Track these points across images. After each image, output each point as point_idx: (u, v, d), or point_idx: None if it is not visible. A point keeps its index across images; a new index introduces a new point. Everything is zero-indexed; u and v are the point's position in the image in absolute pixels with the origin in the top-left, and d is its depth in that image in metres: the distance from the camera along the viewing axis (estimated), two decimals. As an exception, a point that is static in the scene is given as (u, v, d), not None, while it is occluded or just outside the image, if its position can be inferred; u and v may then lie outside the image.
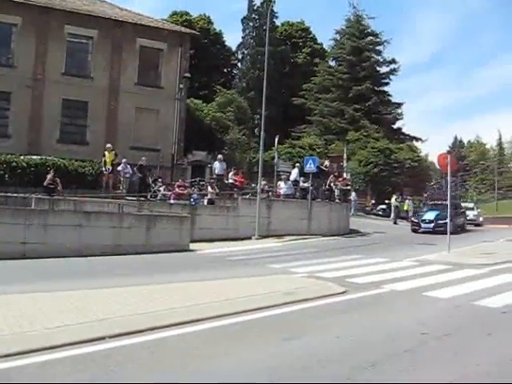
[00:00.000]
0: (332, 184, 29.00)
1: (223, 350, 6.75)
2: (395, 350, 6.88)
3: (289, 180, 27.88)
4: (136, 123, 31.52)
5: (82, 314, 7.90)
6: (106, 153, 24.64)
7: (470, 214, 40.42)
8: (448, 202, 21.79)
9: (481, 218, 43.99)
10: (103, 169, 24.39)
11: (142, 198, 23.29)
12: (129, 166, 25.07)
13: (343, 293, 10.65)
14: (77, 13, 30.33)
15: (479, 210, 45.86)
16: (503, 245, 22.96)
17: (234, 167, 28.35)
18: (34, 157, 24.52)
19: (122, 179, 25.02)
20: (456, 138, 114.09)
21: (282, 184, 27.65)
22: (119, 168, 24.94)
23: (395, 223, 35.42)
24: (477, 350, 7.04)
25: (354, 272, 13.62)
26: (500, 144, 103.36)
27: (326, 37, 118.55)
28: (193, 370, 5.96)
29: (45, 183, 21.32)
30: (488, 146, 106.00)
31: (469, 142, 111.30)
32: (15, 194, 20.18)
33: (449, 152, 22.31)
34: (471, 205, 46.46)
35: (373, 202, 44.69)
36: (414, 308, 9.72)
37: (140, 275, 12.91)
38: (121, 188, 24.86)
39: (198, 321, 7.95)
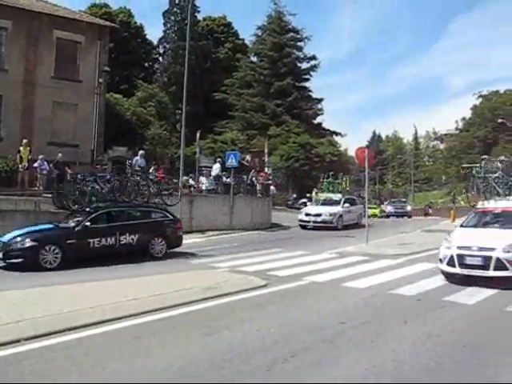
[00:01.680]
0: (254, 179, 29.25)
1: (144, 347, 6.72)
2: (315, 340, 7.06)
3: (210, 175, 27.91)
4: (53, 118, 30.51)
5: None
6: (21, 148, 23.80)
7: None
8: (365, 195, 22.45)
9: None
10: (19, 165, 23.54)
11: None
12: (46, 163, 24.30)
13: (264, 286, 10.81)
14: (-12, 3, 29.04)
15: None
16: (419, 235, 23.86)
17: (154, 162, 28.03)
18: None
19: (38, 176, 24.22)
20: (374, 133, 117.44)
21: (203, 179, 27.63)
22: (36, 164, 24.11)
23: (316, 216, 36.03)
24: (393, 336, 7.33)
25: (276, 265, 13.82)
26: (416, 139, 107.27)
27: (247, 32, 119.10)
28: (112, 369, 5.91)
29: None
30: (405, 141, 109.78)
31: (387, 136, 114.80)
32: None
33: (367, 146, 22.84)
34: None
35: (294, 195, 45.36)
36: (333, 299, 9.96)
37: (64, 274, 12.61)
38: (37, 185, 24.06)
39: (119, 318, 7.88)
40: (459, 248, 11.17)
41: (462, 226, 13.24)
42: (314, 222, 27.36)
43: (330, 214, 27.40)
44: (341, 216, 27.81)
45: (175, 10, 62.06)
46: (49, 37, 30.88)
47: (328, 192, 35.88)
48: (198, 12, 60.50)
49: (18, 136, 26.58)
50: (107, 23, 36.56)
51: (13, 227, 16.19)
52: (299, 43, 61.32)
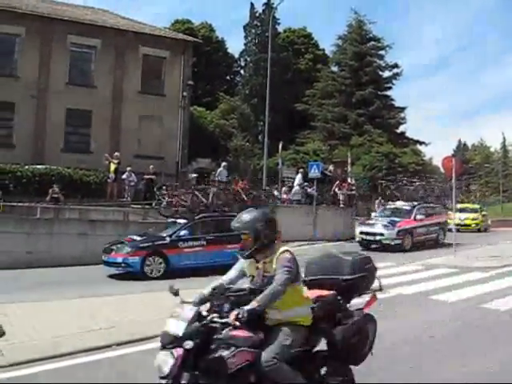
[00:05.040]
0: (337, 189, 28.99)
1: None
2: (402, 355, 6.86)
3: (293, 186, 27.90)
4: (140, 131, 31.56)
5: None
6: (114, 161, 24.81)
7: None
8: (453, 205, 21.73)
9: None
10: (108, 177, 24.50)
11: (147, 206, 23.29)
12: (133, 174, 25.11)
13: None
14: (79, 22, 30.43)
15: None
16: (509, 247, 22.86)
17: (236, 174, 28.42)
18: (39, 166, 24.53)
19: (126, 187, 25.06)
20: (460, 142, 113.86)
21: (286, 190, 27.71)
22: (124, 176, 24.98)
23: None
24: (484, 352, 7.00)
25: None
26: (504, 147, 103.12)
27: (327, 42, 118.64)
28: None
29: (47, 198, 21.35)
30: (492, 149, 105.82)
31: (473, 145, 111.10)
32: (20, 204, 20.19)
33: (453, 155, 22.16)
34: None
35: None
36: (420, 312, 9.67)
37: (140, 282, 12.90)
38: (125, 196, 24.88)
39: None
40: None
41: None
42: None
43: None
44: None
45: (256, 23, 62.71)
46: (135, 53, 32.04)
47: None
48: (278, 24, 60.87)
49: (107, 149, 27.63)
50: (190, 38, 37.51)
51: (103, 236, 16.85)
52: (380, 51, 60.38)
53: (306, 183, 27.67)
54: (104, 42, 31.21)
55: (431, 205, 27.37)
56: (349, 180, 32.43)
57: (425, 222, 23.41)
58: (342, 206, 28.71)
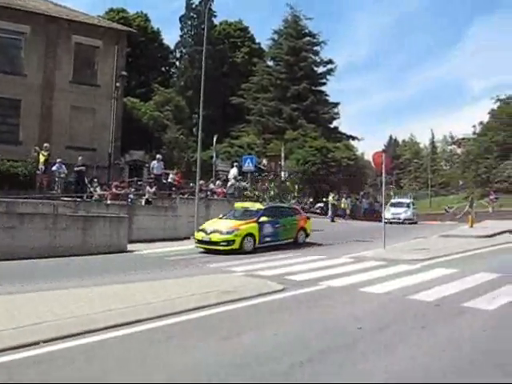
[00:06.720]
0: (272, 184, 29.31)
1: (161, 352, 6.72)
2: (332, 346, 7.01)
3: (230, 179, 27.98)
4: (71, 122, 30.80)
5: (13, 318, 7.69)
6: (42, 152, 24.15)
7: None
8: (382, 200, 22.33)
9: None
10: (38, 169, 23.85)
11: (78, 199, 22.83)
12: (63, 166, 24.54)
13: (281, 290, 10.76)
14: (8, 7, 29.31)
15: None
16: (436, 240, 23.63)
17: (175, 167, 28.22)
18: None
19: (56, 179, 24.45)
20: (391, 138, 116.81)
21: (219, 183, 27.76)
22: (53, 168, 24.37)
23: (333, 221, 35.92)
24: (411, 342, 7.25)
25: (292, 270, 13.77)
26: (433, 143, 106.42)
27: (264, 36, 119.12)
28: (130, 372, 5.92)
29: None
30: (422, 145, 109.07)
31: (403, 141, 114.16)
32: None
33: (384, 151, 22.76)
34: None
35: (311, 200, 45.23)
36: (350, 304, 9.90)
37: (77, 277, 12.67)
38: (55, 188, 24.28)
39: (135, 322, 7.89)
40: None
41: None
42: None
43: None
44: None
45: (192, 14, 62.32)
46: (67, 42, 31.21)
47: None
48: (215, 16, 60.71)
49: (37, 140, 26.88)
50: (125, 28, 36.90)
51: (32, 230, 16.45)
52: (316, 47, 61.26)
53: (239, 177, 27.81)
54: (34, 28, 30.20)
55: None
56: (282, 174, 32.81)
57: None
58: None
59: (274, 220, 20.16)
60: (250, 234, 19.01)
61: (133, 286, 10.84)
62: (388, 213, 35.17)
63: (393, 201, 40.12)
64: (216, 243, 18.51)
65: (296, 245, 20.78)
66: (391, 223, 32.97)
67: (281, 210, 21.80)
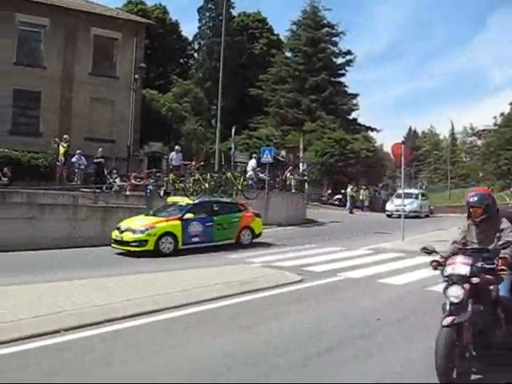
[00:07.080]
0: (289, 174, 29.20)
1: (180, 341, 6.77)
2: (350, 336, 7.02)
3: (248, 171, 27.90)
4: (91, 114, 31.01)
5: (34, 307, 7.79)
6: (62, 144, 24.37)
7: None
8: (402, 191, 22.17)
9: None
10: (58, 160, 24.07)
11: (97, 190, 22.99)
12: (83, 158, 24.74)
13: (300, 281, 10.78)
14: (28, 0, 29.49)
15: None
16: (456, 232, 23.36)
17: (194, 158, 28.23)
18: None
19: (76, 171, 24.66)
20: (410, 129, 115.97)
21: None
22: (73, 159, 24.58)
23: (351, 212, 35.84)
24: (429, 333, 7.22)
25: (311, 261, 13.78)
26: (452, 134, 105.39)
27: (282, 28, 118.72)
28: (149, 361, 5.97)
29: None
30: (441, 137, 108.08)
31: (423, 132, 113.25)
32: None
33: (403, 142, 22.53)
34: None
35: (329, 191, 45.15)
36: (368, 295, 9.89)
37: (96, 267, 12.79)
38: (75, 180, 24.49)
39: (153, 312, 7.95)
40: None
41: None
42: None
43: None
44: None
45: (210, 6, 62.15)
46: (86, 34, 31.37)
47: None
48: (233, 8, 60.53)
49: (57, 132, 27.11)
50: (143, 20, 36.99)
51: (52, 221, 16.63)
52: (334, 38, 60.81)
53: (258, 168, 27.75)
54: (53, 21, 30.39)
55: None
56: (301, 166, 32.72)
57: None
58: (293, 191, 28.95)
59: (204, 217, 17.26)
60: (169, 234, 16.15)
61: (152, 276, 10.92)
62: (391, 204, 34.10)
63: (399, 191, 35.09)
64: (127, 243, 15.89)
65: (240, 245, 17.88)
66: (391, 216, 32.08)
67: (217, 206, 18.18)
